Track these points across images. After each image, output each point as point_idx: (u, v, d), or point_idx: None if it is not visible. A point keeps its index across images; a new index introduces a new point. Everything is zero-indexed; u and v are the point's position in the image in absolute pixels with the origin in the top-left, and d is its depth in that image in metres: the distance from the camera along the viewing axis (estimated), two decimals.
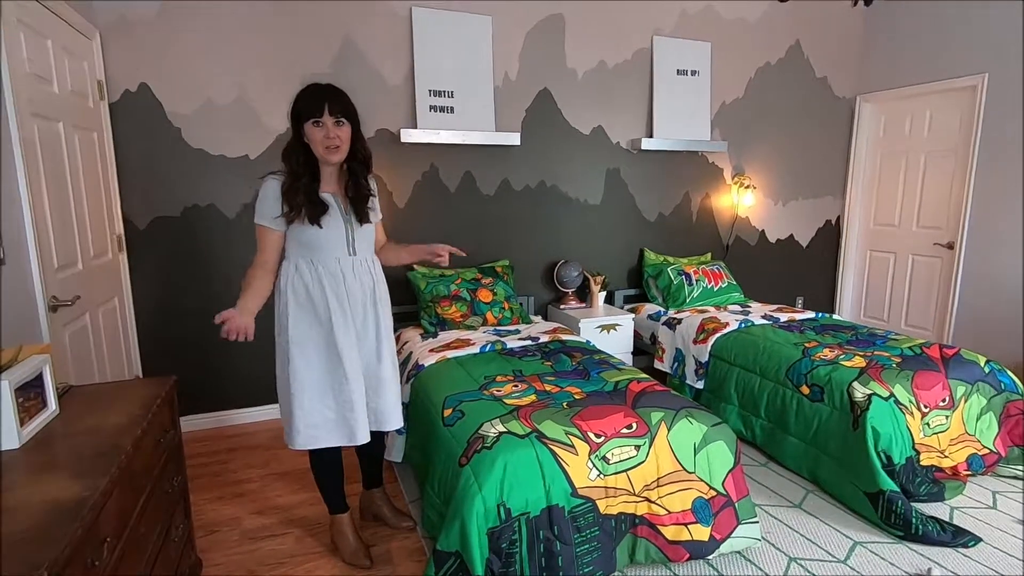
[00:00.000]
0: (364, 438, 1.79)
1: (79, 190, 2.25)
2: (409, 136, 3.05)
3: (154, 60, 2.68)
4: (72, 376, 2.00)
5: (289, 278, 1.74)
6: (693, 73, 3.74)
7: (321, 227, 1.68)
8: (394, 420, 1.90)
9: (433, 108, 3.16)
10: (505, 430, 1.78)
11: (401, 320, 3.25)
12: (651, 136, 3.68)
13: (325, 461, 1.90)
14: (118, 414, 1.36)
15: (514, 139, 3.25)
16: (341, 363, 1.73)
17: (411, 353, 2.65)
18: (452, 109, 3.19)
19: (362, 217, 1.77)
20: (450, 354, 2.52)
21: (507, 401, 2.01)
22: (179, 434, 1.67)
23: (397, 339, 3.02)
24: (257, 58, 2.84)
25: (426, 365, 2.44)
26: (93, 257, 2.36)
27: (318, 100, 1.64)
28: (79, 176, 2.26)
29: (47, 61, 2.04)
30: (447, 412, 1.99)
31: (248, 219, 2.92)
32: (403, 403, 2.39)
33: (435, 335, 2.83)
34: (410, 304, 3.23)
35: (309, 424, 1.74)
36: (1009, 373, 2.55)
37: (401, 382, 2.48)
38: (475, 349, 2.59)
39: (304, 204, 1.66)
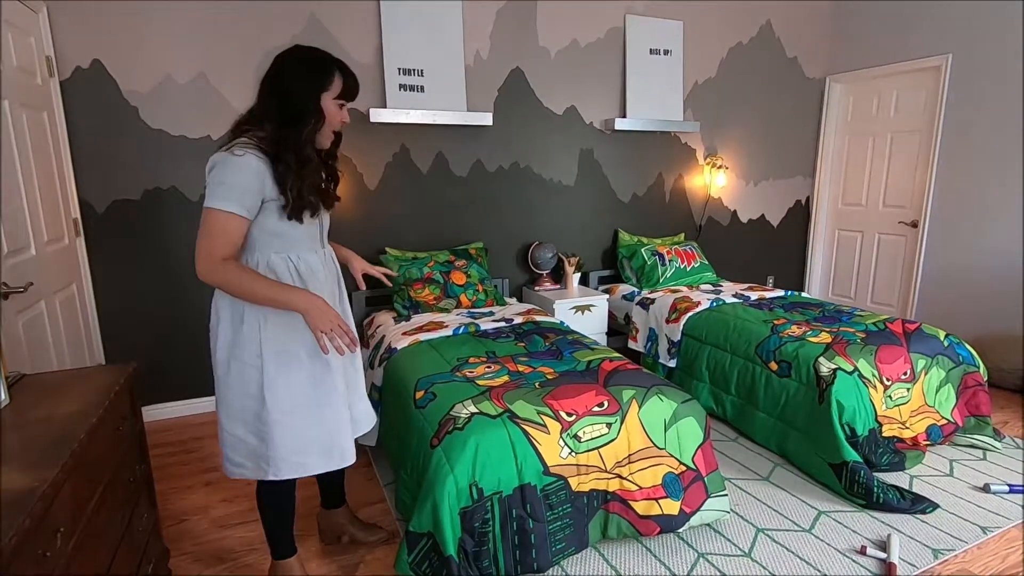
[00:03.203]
0: (352, 457, 1.57)
1: (29, 172, 2.15)
2: (379, 116, 2.99)
3: (107, 35, 2.55)
4: (28, 365, 1.93)
5: None
6: (666, 52, 3.73)
7: (303, 221, 1.43)
8: (368, 421, 1.73)
9: (403, 87, 3.09)
10: (477, 411, 1.77)
11: (374, 304, 3.23)
12: (624, 116, 3.67)
13: (285, 491, 1.59)
14: (73, 403, 1.31)
15: (486, 119, 3.21)
16: (330, 373, 1.49)
17: (384, 337, 2.62)
18: (422, 88, 3.13)
19: (330, 204, 1.56)
20: (423, 337, 2.50)
21: (479, 382, 2.00)
22: (140, 422, 1.63)
23: (370, 323, 2.99)
24: (217, 33, 2.73)
25: (399, 348, 2.42)
26: (47, 242, 2.27)
27: (357, 82, 1.48)
28: (28, 157, 2.15)
29: None
30: (419, 394, 1.98)
31: None
32: (376, 387, 2.38)
33: (408, 318, 2.81)
34: (383, 287, 3.20)
35: (295, 451, 1.47)
36: (967, 346, 2.64)
37: (374, 366, 2.47)
38: (448, 331, 2.58)
39: (317, 195, 1.42)
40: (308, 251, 1.48)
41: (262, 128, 1.39)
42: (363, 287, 1.75)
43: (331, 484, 1.86)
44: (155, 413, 2.91)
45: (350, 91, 1.47)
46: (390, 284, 1.89)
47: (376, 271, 1.81)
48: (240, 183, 1.31)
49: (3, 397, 1.29)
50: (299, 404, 1.46)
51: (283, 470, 1.47)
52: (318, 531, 1.95)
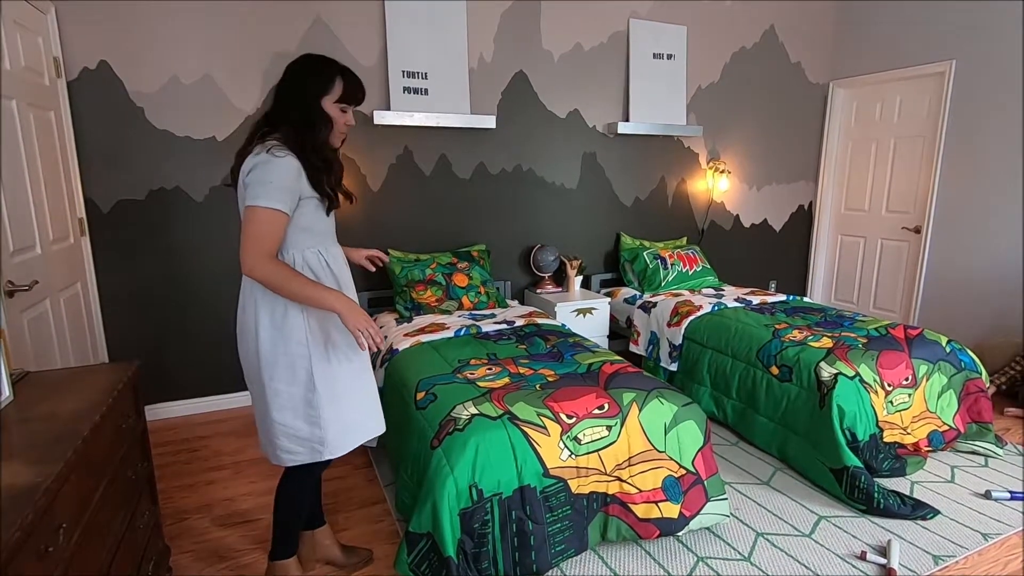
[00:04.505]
0: (383, 426, 1.71)
1: (35, 171, 2.17)
2: (383, 118, 3.01)
3: (114, 36, 2.58)
4: (32, 363, 1.94)
5: (299, 271, 1.48)
6: (669, 57, 3.74)
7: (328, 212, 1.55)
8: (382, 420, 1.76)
9: (407, 90, 3.11)
10: (477, 412, 1.78)
11: (376, 305, 3.24)
12: (627, 120, 3.68)
13: (315, 478, 1.67)
14: (76, 400, 1.32)
15: (489, 122, 3.22)
16: (361, 353, 1.61)
17: (385, 338, 2.63)
18: (426, 91, 3.14)
19: (338, 202, 1.62)
20: (424, 338, 2.51)
21: (480, 384, 2.01)
22: (143, 420, 1.64)
23: None
24: (223, 35, 2.75)
25: (400, 349, 2.43)
26: (53, 241, 2.28)
27: (361, 88, 1.54)
28: (35, 157, 2.17)
29: None
30: (420, 395, 1.99)
31: (217, 202, 2.87)
32: (378, 387, 2.38)
33: (410, 320, 2.82)
34: (385, 289, 3.21)
35: (344, 428, 1.57)
36: (969, 352, 2.63)
37: (376, 367, 2.48)
38: (450, 333, 2.58)
39: (335, 189, 1.52)
40: (332, 244, 1.58)
41: (279, 131, 1.46)
42: (372, 269, 1.87)
43: (315, 503, 1.80)
44: (158, 412, 2.93)
45: (352, 96, 1.53)
46: (387, 261, 1.93)
47: (374, 253, 1.88)
48: (283, 182, 1.38)
49: (7, 394, 1.30)
50: (344, 385, 1.56)
51: (337, 448, 1.56)
52: (296, 557, 1.75)
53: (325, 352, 1.52)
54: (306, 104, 1.47)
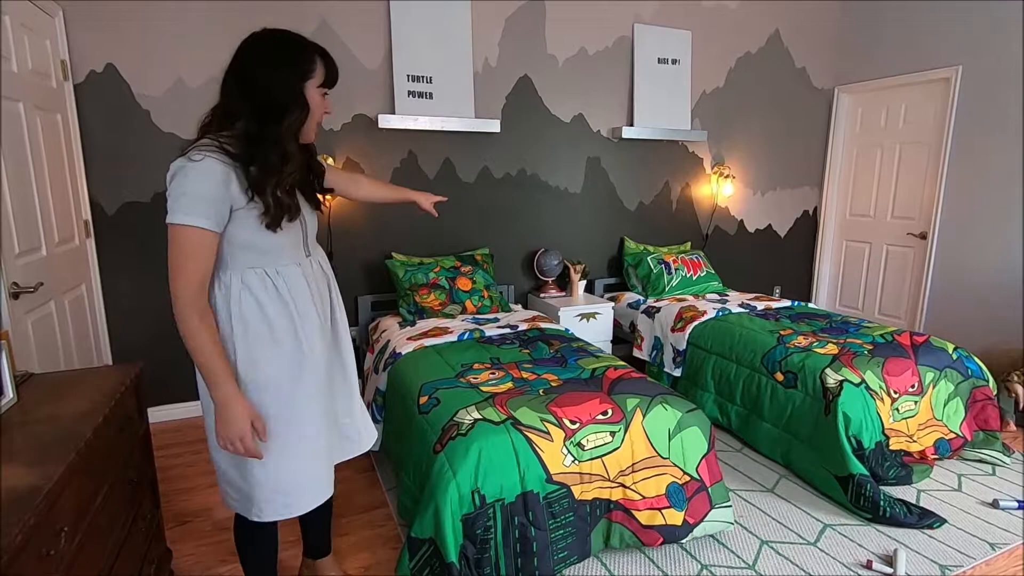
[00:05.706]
0: (330, 491, 1.44)
1: (42, 174, 2.18)
2: (387, 122, 3.01)
3: (121, 39, 2.59)
4: (36, 364, 1.95)
5: (234, 298, 1.24)
6: (674, 62, 3.74)
7: (281, 228, 1.26)
8: (370, 436, 1.60)
9: (411, 93, 3.11)
10: (480, 417, 1.77)
11: (379, 308, 3.24)
12: (632, 125, 3.68)
13: (267, 531, 1.45)
14: (79, 402, 1.32)
15: (494, 126, 3.23)
16: (307, 404, 1.34)
17: (388, 341, 2.63)
18: (431, 95, 3.15)
19: (315, 202, 1.42)
20: (428, 342, 2.51)
21: (483, 388, 2.00)
22: (146, 422, 1.64)
23: (375, 328, 2.99)
24: (228, 38, 2.73)
25: (403, 353, 2.42)
26: (58, 243, 2.29)
27: (337, 68, 1.33)
28: (41, 159, 2.18)
29: (5, 38, 1.96)
30: (423, 400, 1.98)
31: None
32: (380, 391, 2.39)
33: (413, 323, 2.81)
34: (388, 292, 3.21)
35: (278, 490, 1.32)
36: (976, 360, 2.61)
37: (379, 371, 2.48)
38: (453, 337, 2.58)
39: (291, 203, 1.26)
40: (289, 263, 1.31)
41: (231, 127, 1.23)
42: (435, 213, 1.87)
43: (315, 529, 1.68)
44: (162, 414, 2.93)
45: (333, 78, 1.32)
46: (443, 199, 1.90)
47: (431, 197, 1.84)
48: (203, 192, 1.14)
49: (11, 396, 1.30)
50: (284, 444, 1.31)
51: (266, 511, 1.33)
52: None
53: (257, 397, 1.27)
54: (282, 90, 1.22)
